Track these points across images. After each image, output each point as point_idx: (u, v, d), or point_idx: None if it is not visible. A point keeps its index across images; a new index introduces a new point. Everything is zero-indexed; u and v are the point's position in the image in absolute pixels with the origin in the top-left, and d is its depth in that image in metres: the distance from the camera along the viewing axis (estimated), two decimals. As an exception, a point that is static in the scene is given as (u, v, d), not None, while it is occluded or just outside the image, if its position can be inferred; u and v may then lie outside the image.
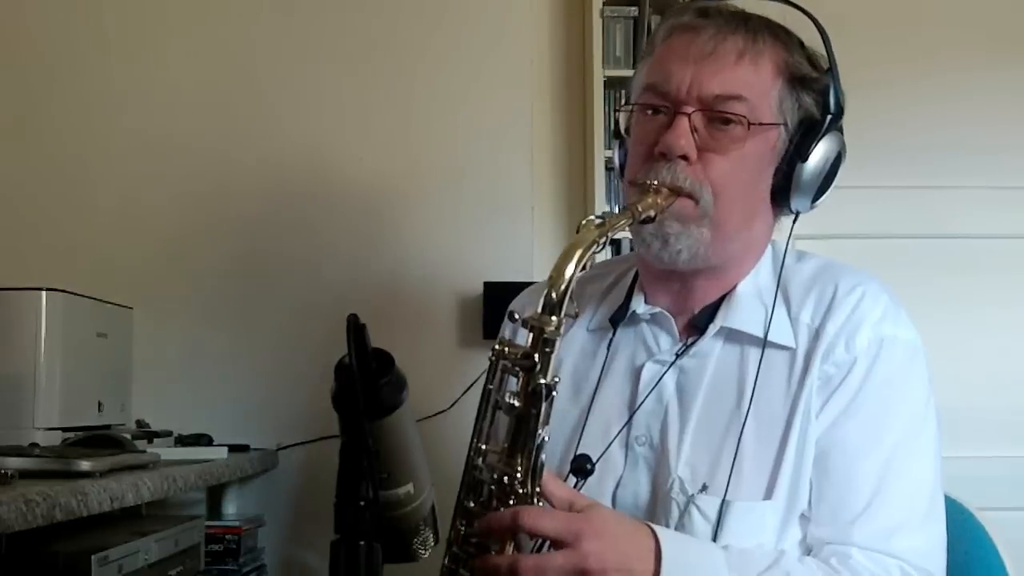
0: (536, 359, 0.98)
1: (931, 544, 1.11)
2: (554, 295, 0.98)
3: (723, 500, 1.09)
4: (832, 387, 1.13)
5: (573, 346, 1.26)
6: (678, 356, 1.18)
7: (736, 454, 1.11)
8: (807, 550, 1.11)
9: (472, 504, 1.02)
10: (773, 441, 1.12)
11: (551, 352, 0.98)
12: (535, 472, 0.99)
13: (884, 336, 1.14)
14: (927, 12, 2.46)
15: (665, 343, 1.21)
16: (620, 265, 1.34)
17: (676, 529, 1.10)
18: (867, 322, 1.14)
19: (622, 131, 1.23)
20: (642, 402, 1.18)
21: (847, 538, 1.09)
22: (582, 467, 1.08)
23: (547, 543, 1.00)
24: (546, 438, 0.99)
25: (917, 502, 1.11)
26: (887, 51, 2.40)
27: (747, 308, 1.18)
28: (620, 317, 1.24)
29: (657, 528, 1.03)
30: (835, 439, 1.12)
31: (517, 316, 1.03)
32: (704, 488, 1.10)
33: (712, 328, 1.18)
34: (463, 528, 1.03)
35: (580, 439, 1.19)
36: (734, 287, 1.20)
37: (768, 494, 1.10)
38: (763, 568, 1.05)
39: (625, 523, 1.04)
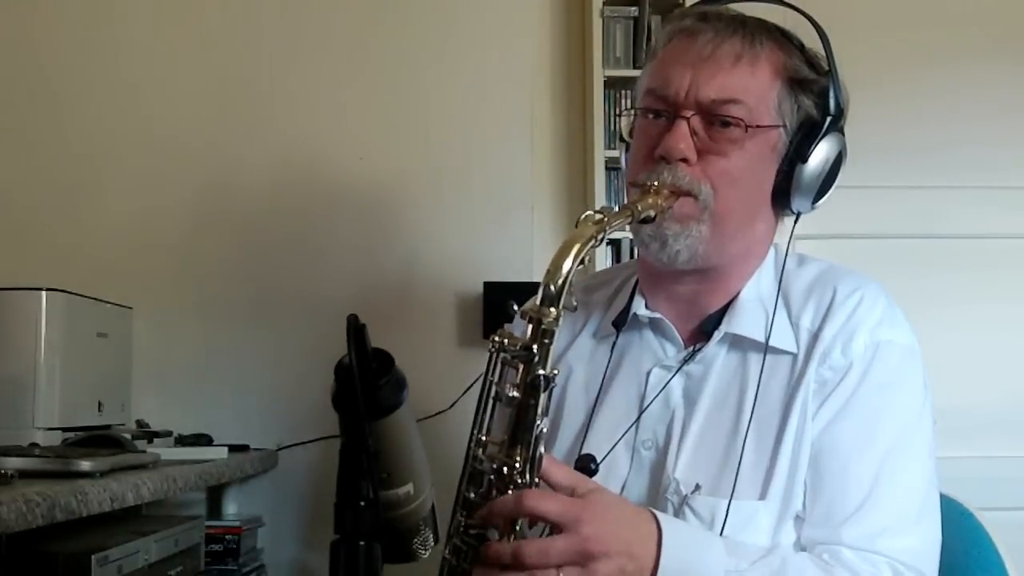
0: (535, 350, 0.98)
1: (923, 545, 1.11)
2: (552, 288, 0.98)
3: (716, 499, 1.10)
4: (828, 390, 1.14)
5: (582, 353, 1.28)
6: (685, 362, 1.19)
7: (741, 459, 1.11)
8: (800, 551, 1.11)
9: (472, 495, 1.02)
10: (768, 442, 1.13)
11: (549, 343, 0.99)
12: (534, 462, 0.99)
13: (880, 340, 1.15)
14: (927, 12, 2.46)
15: (670, 349, 1.22)
16: (623, 271, 1.35)
17: None
18: (864, 326, 1.15)
19: (624, 135, 1.24)
20: (648, 406, 1.18)
21: (838, 538, 1.09)
22: (586, 467, 1.09)
23: (546, 530, 1.00)
24: (545, 429, 1.00)
25: (909, 504, 1.11)
26: (887, 51, 2.40)
27: (750, 314, 1.19)
28: (622, 321, 1.25)
29: (659, 514, 1.04)
30: (829, 441, 1.12)
31: (516, 308, 1.03)
32: (697, 488, 1.11)
33: (717, 335, 1.19)
34: (464, 519, 1.03)
35: (584, 440, 1.20)
36: (737, 294, 1.20)
37: (763, 495, 1.11)
38: (760, 555, 1.05)
39: (627, 508, 1.04)
